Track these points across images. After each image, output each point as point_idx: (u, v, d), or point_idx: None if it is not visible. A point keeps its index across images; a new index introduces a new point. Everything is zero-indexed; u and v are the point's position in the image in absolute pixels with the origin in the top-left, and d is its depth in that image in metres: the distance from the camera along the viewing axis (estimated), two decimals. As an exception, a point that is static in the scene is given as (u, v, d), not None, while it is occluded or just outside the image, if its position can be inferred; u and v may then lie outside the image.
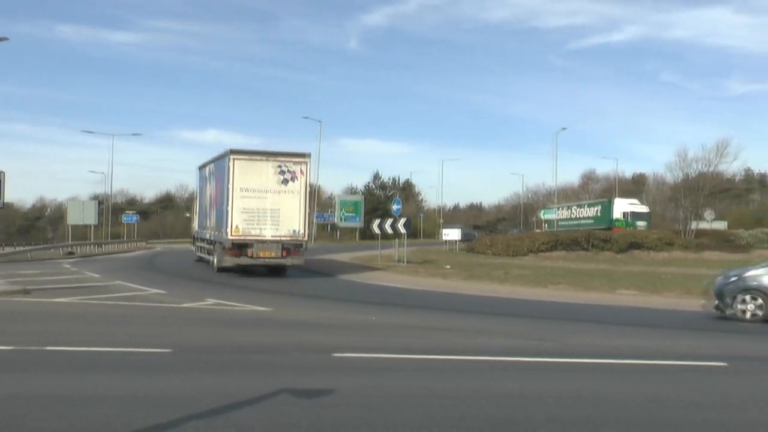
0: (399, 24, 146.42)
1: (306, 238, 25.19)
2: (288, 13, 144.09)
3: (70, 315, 14.08)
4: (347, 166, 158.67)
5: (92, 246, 45.48)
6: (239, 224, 23.93)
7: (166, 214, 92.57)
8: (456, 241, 50.91)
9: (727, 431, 6.21)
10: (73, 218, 48.89)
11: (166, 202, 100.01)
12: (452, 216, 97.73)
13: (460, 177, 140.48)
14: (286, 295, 19.74)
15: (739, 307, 15.36)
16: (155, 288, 19.67)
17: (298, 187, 24.30)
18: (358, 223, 72.68)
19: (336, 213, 73.71)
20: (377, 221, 35.26)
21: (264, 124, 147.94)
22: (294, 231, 24.33)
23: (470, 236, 58.60)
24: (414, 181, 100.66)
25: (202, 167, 30.99)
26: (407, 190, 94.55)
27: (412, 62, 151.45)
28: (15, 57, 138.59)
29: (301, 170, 24.37)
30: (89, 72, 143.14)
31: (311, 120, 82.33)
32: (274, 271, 26.11)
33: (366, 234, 65.16)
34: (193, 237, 35.51)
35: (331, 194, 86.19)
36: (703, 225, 52.35)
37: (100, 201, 61.14)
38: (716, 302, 15.90)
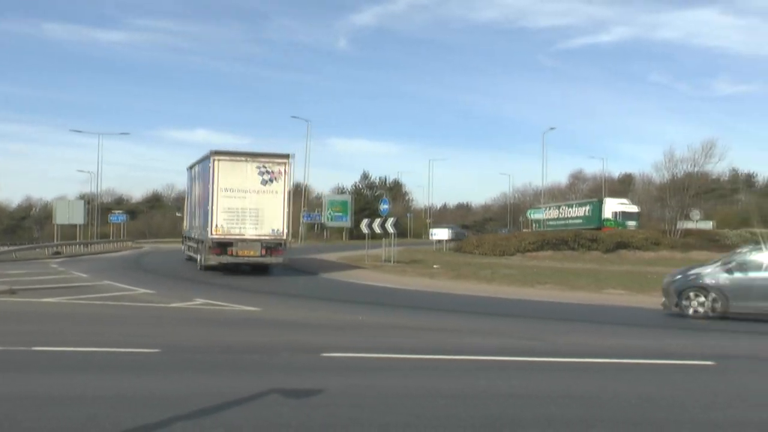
0: (388, 24, 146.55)
1: (287, 238, 25.71)
2: (277, 12, 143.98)
3: (58, 315, 14.03)
4: (336, 166, 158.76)
5: (79, 246, 45.29)
6: (221, 223, 24.52)
7: (153, 214, 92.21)
8: (444, 240, 50.97)
9: (717, 430, 6.27)
10: (60, 218, 48.59)
11: (154, 201, 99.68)
12: (440, 216, 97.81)
13: (448, 177, 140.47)
14: (275, 294, 19.73)
15: (684, 303, 15.88)
16: (143, 288, 19.62)
17: (279, 187, 24.86)
18: (346, 223, 72.60)
19: (324, 213, 73.60)
20: (366, 221, 35.26)
21: (253, 123, 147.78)
22: (275, 230, 24.86)
23: (461, 235, 58.76)
24: (402, 180, 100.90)
25: (190, 168, 31.30)
26: (395, 190, 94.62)
27: (401, 62, 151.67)
28: (2, 55, 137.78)
29: (281, 171, 24.91)
30: (77, 71, 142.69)
31: (300, 119, 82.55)
32: (259, 269, 26.40)
33: (354, 234, 65.14)
34: (183, 237, 35.85)
35: (320, 194, 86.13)
36: (690, 225, 52.58)
37: (88, 200, 60.86)
38: (674, 300, 16.28)
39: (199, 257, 27.27)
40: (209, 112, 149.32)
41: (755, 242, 19.67)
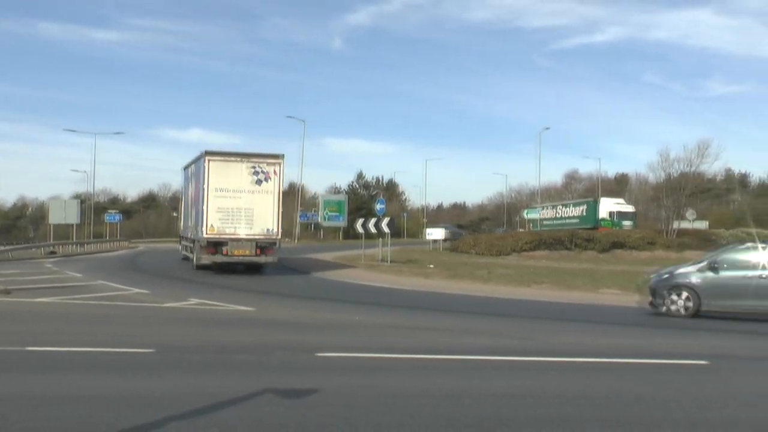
0: (383, 23, 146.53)
1: (279, 237, 25.90)
2: (272, 12, 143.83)
3: (52, 315, 14.00)
4: (331, 166, 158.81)
5: (74, 245, 45.18)
6: (214, 223, 24.76)
7: (148, 214, 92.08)
8: (440, 240, 51.00)
9: (710, 429, 6.27)
10: (54, 217, 48.49)
11: (149, 201, 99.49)
12: (436, 215, 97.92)
13: (443, 176, 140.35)
14: (270, 294, 19.71)
15: (659, 302, 16.21)
16: (138, 288, 19.59)
17: (271, 187, 25.12)
18: (341, 223, 72.55)
19: (320, 212, 73.56)
20: (361, 221, 35.25)
21: (248, 123, 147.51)
22: (267, 230, 25.10)
23: (458, 235, 58.88)
24: (398, 180, 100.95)
25: (185, 168, 31.44)
26: (391, 190, 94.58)
27: (396, 62, 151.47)
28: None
29: (274, 171, 25.19)
30: (72, 70, 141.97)
31: (295, 119, 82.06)
32: (253, 268, 26.53)
33: (350, 233, 65.06)
34: (179, 236, 35.94)
35: (315, 194, 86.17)
36: (685, 225, 52.71)
37: (83, 200, 60.77)
38: (650, 299, 16.63)
39: (193, 256, 27.41)
40: (205, 112, 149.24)
41: (734, 242, 19.86)
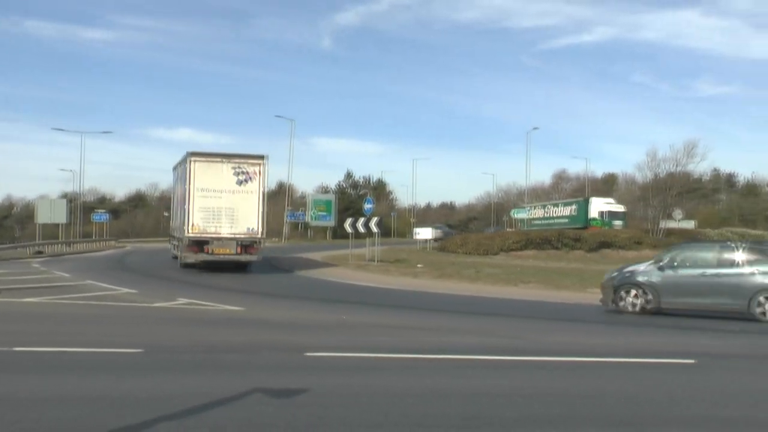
0: (371, 23, 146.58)
1: (262, 236, 26.36)
2: (261, 12, 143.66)
3: (40, 315, 13.95)
4: (319, 165, 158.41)
5: (62, 245, 44.99)
6: (198, 222, 25.35)
7: (136, 213, 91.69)
8: (428, 240, 51.07)
9: (700, 428, 6.33)
10: (42, 217, 48.17)
11: (137, 200, 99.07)
12: (424, 215, 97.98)
13: (432, 176, 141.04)
14: (258, 294, 19.70)
15: (621, 299, 16.51)
16: (126, 287, 19.54)
17: (254, 187, 25.72)
18: (330, 222, 72.46)
19: (308, 212, 73.43)
20: (349, 220, 35.26)
21: (237, 122, 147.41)
22: (250, 229, 25.66)
23: (449, 234, 59.06)
24: (386, 180, 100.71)
25: (175, 168, 31.64)
26: (379, 189, 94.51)
27: (385, 62, 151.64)
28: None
29: (256, 171, 25.77)
30: (59, 68, 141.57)
31: (283, 119, 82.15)
32: (239, 267, 26.90)
33: (338, 233, 65.05)
34: (170, 235, 36.40)
35: (304, 193, 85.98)
36: (672, 224, 52.99)
37: (70, 199, 60.39)
38: (611, 296, 16.89)
39: (179, 255, 27.84)
40: (193, 111, 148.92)
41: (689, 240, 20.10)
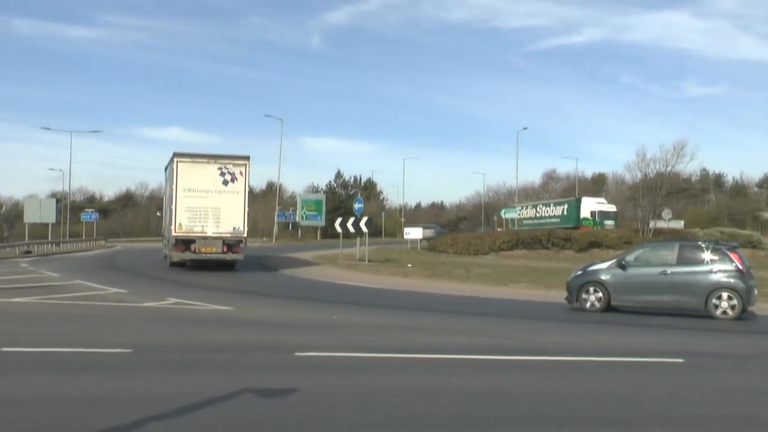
0: (361, 23, 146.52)
1: (246, 235, 26.87)
2: (250, 11, 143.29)
3: (28, 315, 13.87)
4: (309, 165, 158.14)
5: (50, 245, 44.77)
6: (183, 222, 25.80)
7: (126, 213, 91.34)
8: (418, 239, 51.06)
9: (690, 426, 6.35)
10: (30, 216, 47.95)
11: (126, 200, 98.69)
12: (414, 215, 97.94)
13: (422, 176, 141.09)
14: (248, 293, 19.66)
15: (583, 297, 16.80)
16: (115, 287, 19.47)
17: (238, 187, 26.24)
18: (320, 222, 72.33)
19: (298, 212, 73.29)
20: (339, 220, 35.24)
21: (226, 122, 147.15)
22: (236, 228, 26.19)
23: (441, 234, 59.11)
24: (376, 180, 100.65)
25: (166, 168, 31.59)
26: (369, 189, 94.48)
27: (374, 61, 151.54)
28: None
29: (241, 172, 26.32)
30: (47, 67, 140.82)
31: (273, 118, 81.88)
32: (226, 266, 27.19)
33: (328, 233, 65.01)
34: (162, 235, 36.50)
35: (293, 193, 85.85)
36: (661, 224, 53.11)
37: (59, 199, 60.13)
38: (566, 295, 17.32)
39: (167, 254, 28.15)
40: (182, 110, 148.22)
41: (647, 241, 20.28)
